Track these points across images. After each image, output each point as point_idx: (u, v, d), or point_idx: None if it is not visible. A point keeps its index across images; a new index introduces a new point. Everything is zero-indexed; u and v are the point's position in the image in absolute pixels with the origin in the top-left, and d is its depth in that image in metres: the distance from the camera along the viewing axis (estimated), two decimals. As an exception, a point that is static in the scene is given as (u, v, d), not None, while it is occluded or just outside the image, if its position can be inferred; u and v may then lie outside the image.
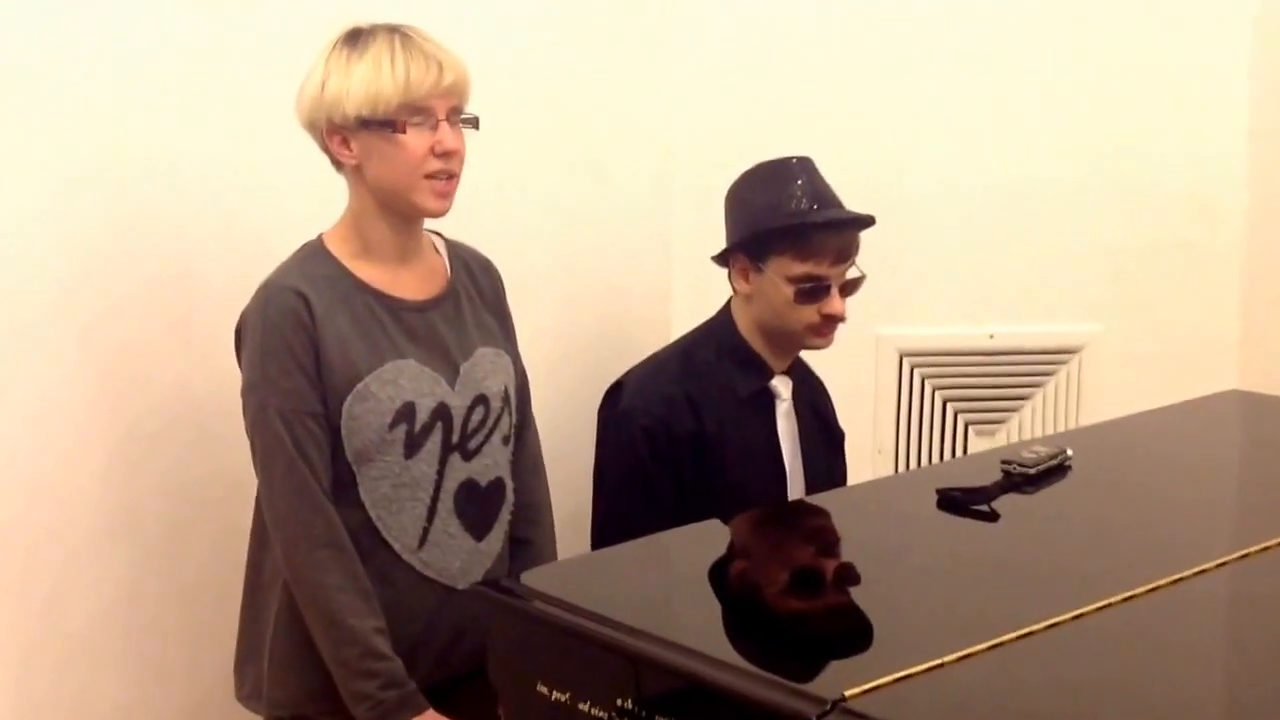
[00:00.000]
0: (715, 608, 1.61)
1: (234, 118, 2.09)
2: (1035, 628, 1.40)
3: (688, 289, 2.64)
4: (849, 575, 1.65)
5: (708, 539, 1.81)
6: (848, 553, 1.72)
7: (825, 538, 1.80)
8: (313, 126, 1.86)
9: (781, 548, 1.79)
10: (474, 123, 1.87)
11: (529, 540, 2.03)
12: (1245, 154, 3.07)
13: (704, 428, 2.13)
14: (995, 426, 3.07)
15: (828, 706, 1.24)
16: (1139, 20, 2.99)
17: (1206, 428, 2.24)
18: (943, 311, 2.93)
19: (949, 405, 3.04)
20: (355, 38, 1.84)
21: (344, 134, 1.83)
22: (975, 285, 2.97)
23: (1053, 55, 2.96)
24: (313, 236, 1.92)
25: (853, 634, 1.47)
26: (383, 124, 1.80)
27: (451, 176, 1.84)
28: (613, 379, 2.29)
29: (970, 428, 3.05)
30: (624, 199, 2.63)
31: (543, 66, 2.44)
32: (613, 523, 2.16)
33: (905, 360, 2.98)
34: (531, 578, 1.62)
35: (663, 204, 2.69)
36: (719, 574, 1.70)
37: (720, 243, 2.28)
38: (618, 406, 2.19)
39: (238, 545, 2.13)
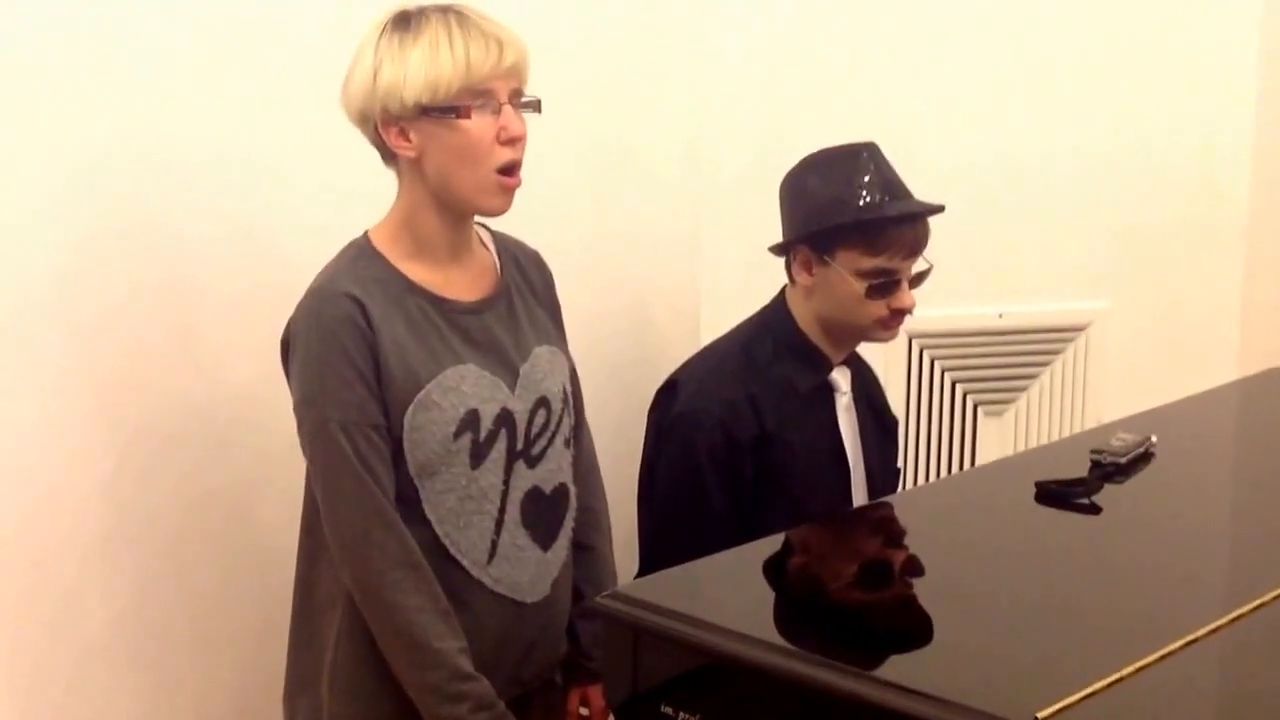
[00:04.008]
0: (857, 623, 1.51)
1: (240, 114, 1.97)
2: (1199, 633, 1.35)
3: (716, 281, 2.56)
4: (989, 585, 1.56)
5: (813, 545, 1.72)
6: (973, 559, 1.64)
7: (945, 543, 1.71)
8: (364, 119, 1.72)
9: (896, 555, 1.71)
10: (536, 106, 1.75)
11: (591, 546, 1.93)
12: (1251, 134, 3.08)
13: (765, 429, 2.02)
14: (1004, 406, 3.04)
15: (1022, 730, 1.18)
16: (1149, 1, 2.97)
17: (1267, 407, 2.21)
18: (952, 293, 2.88)
19: (958, 386, 3.00)
20: (405, 21, 1.71)
21: (401, 124, 1.70)
22: (984, 266, 2.93)
23: (1061, 36, 2.93)
24: (335, 236, 1.79)
25: (1019, 649, 1.39)
26: (445, 110, 1.68)
27: (518, 167, 1.73)
28: (639, 372, 2.18)
29: (980, 408, 3.02)
30: (651, 189, 2.53)
31: (569, 52, 2.33)
32: (664, 529, 2.06)
33: (915, 342, 2.94)
34: (646, 590, 1.52)
35: (690, 194, 2.59)
36: (844, 585, 1.61)
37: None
38: (674, 408, 2.07)
39: (249, 555, 2.07)
